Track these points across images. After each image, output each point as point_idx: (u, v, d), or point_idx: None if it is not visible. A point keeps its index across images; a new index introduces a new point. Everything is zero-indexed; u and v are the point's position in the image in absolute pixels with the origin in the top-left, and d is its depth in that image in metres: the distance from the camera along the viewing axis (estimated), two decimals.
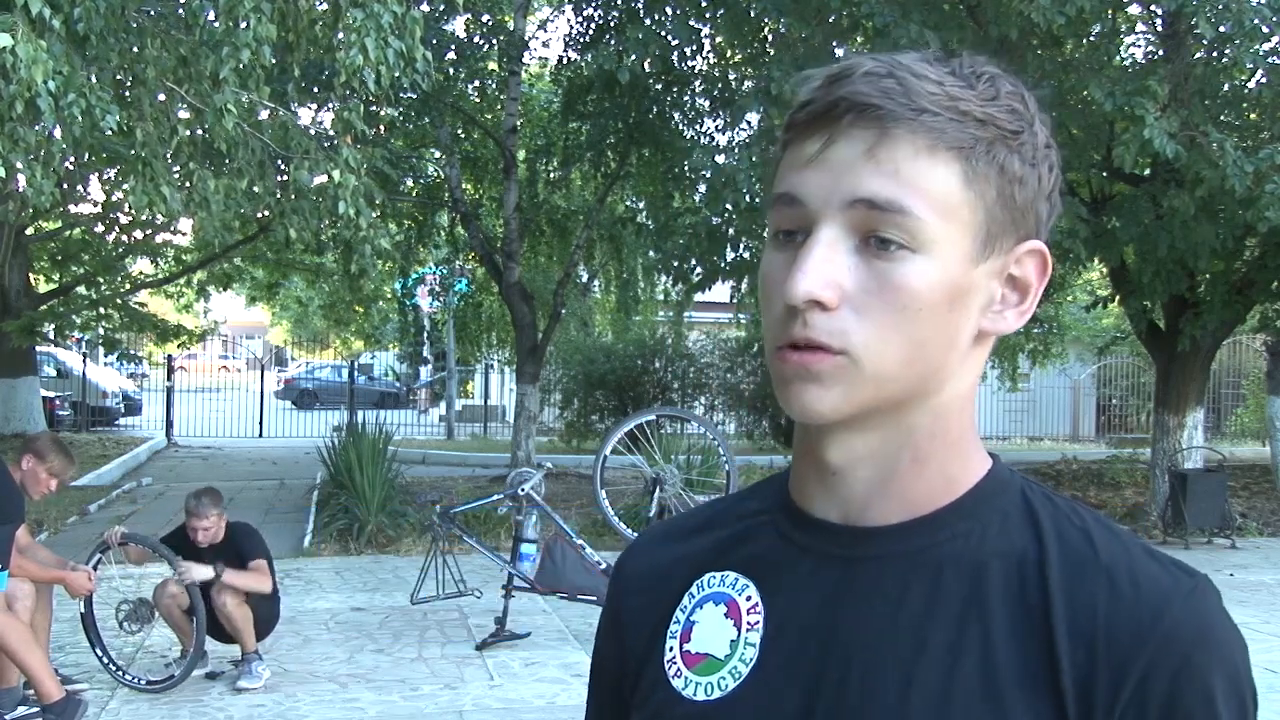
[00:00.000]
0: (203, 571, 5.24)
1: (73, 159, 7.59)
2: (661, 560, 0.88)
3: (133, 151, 6.66)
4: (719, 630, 0.81)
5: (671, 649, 0.83)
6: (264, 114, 7.05)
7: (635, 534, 7.95)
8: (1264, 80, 9.05)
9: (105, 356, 17.23)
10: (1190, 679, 0.70)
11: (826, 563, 0.79)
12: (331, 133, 7.45)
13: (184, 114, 6.58)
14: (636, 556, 0.91)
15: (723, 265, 10.57)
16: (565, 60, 12.04)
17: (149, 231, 15.01)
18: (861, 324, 0.72)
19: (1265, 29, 7.71)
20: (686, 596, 0.85)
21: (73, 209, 13.26)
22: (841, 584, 0.78)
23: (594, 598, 6.14)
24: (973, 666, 0.73)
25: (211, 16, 6.68)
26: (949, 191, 0.72)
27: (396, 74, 6.24)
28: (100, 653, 5.41)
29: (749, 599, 0.81)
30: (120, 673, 5.37)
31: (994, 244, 0.75)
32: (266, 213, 8.99)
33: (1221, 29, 7.70)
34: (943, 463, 0.78)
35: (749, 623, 0.80)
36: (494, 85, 12.52)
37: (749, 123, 10.79)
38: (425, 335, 27.02)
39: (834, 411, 0.74)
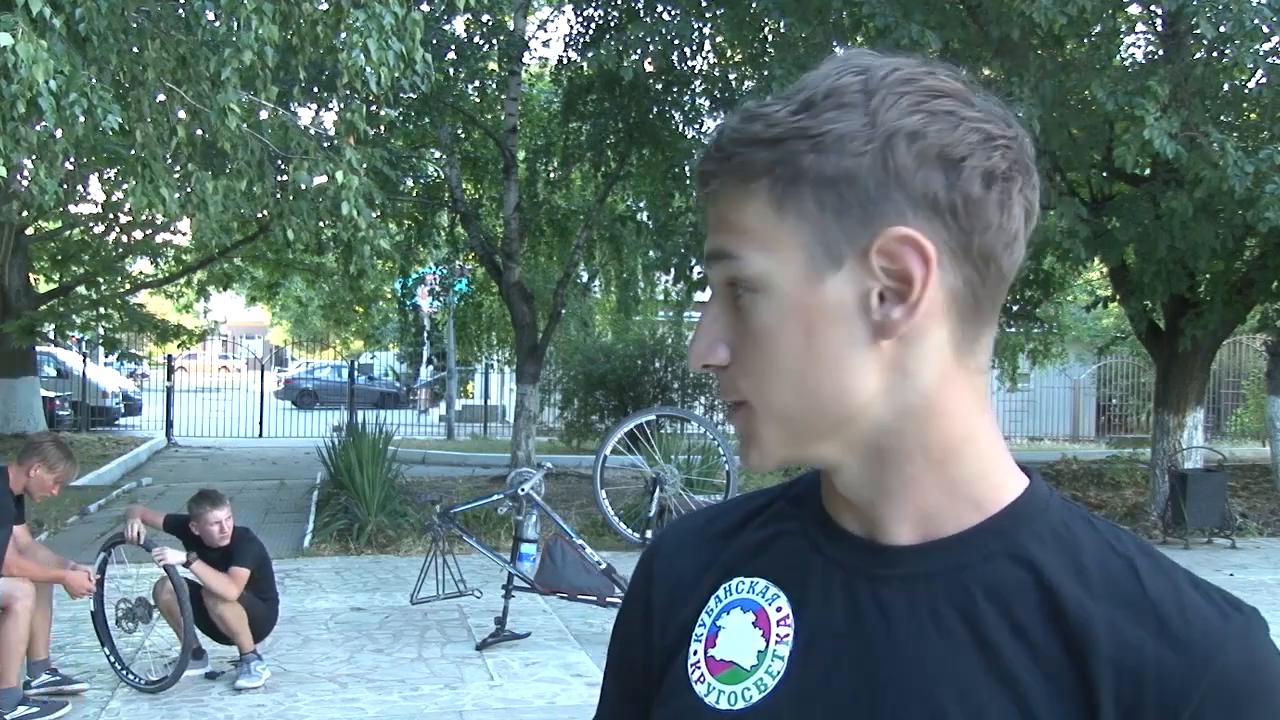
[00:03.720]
0: (176, 555, 5.26)
1: (74, 159, 7.60)
2: (694, 558, 0.86)
3: (132, 152, 6.67)
4: (746, 638, 0.79)
5: (696, 652, 0.81)
6: (264, 114, 7.06)
7: (635, 534, 7.99)
8: (1264, 80, 9.04)
9: (105, 356, 17.25)
10: (1244, 715, 0.69)
11: (855, 578, 0.77)
12: (332, 133, 7.46)
13: (183, 115, 6.58)
14: (671, 551, 0.89)
15: None
16: (565, 60, 12.04)
17: (149, 231, 15.02)
18: (743, 372, 0.75)
19: (1265, 29, 7.71)
20: (713, 599, 0.83)
21: (73, 209, 13.26)
22: (871, 602, 0.76)
23: (594, 598, 6.14)
24: (1005, 697, 0.71)
25: (211, 17, 6.69)
26: (763, 222, 0.72)
27: (396, 75, 6.24)
28: (109, 652, 5.41)
29: (779, 609, 0.79)
30: (124, 672, 5.37)
31: (838, 252, 0.71)
32: (265, 213, 9.00)
33: (1222, 29, 7.70)
34: (942, 478, 0.75)
35: (778, 635, 0.78)
36: (494, 85, 12.52)
37: None
38: (425, 335, 27.04)
39: (765, 460, 0.76)
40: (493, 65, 12.18)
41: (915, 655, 0.73)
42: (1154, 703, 0.69)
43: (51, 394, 18.34)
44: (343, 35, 6.19)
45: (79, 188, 11.42)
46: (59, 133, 5.57)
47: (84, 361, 19.79)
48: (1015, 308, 13.53)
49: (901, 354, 0.72)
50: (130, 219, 13.72)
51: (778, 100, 0.73)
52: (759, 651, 0.78)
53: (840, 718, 0.74)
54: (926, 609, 0.74)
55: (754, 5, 9.57)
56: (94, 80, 5.62)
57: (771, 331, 0.73)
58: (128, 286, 16.58)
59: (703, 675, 0.80)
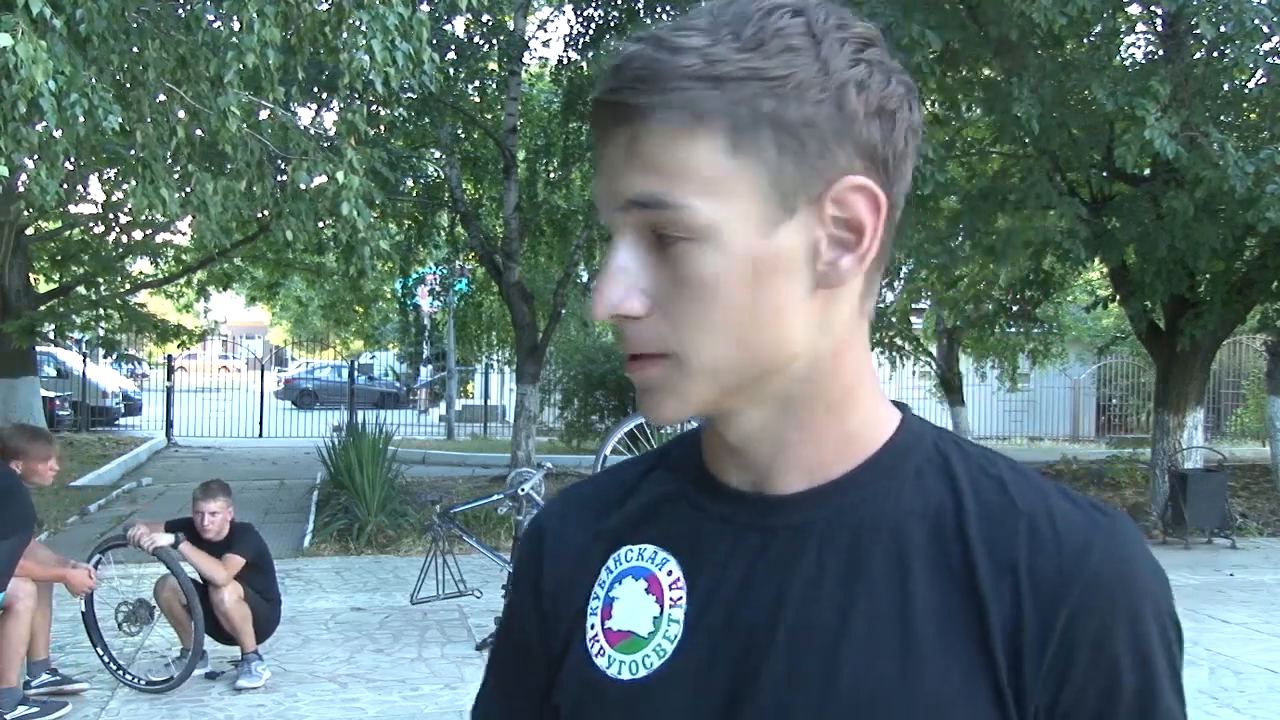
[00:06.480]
0: (164, 539, 5.24)
1: (74, 159, 7.60)
2: (581, 532, 0.85)
3: (132, 153, 6.67)
4: (640, 606, 0.79)
5: (593, 627, 0.80)
6: (264, 114, 7.06)
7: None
8: (1264, 80, 9.05)
9: (105, 357, 17.22)
10: (1118, 618, 0.70)
11: (745, 533, 0.77)
12: (332, 133, 7.46)
13: (183, 115, 6.58)
14: (554, 526, 0.87)
15: None
16: (565, 60, 12.04)
17: (149, 231, 15.00)
18: (672, 323, 0.71)
19: (1265, 29, 7.71)
20: (604, 571, 0.82)
21: (73, 209, 13.25)
22: (761, 554, 0.76)
23: None
24: (898, 628, 0.71)
25: (212, 18, 6.69)
26: (715, 168, 0.68)
27: (406, 76, 6.23)
28: (101, 652, 5.42)
29: (670, 573, 0.79)
30: (121, 672, 5.37)
31: (793, 200, 0.70)
32: (265, 213, 9.00)
33: (1222, 29, 7.70)
34: (838, 424, 0.76)
35: (672, 598, 0.78)
36: (494, 85, 12.52)
37: None
38: (425, 335, 27.03)
39: (676, 414, 0.74)
40: (493, 65, 12.18)
41: (809, 600, 0.74)
42: (1033, 607, 0.70)
43: (51, 394, 18.33)
44: (344, 35, 6.19)
45: (79, 188, 11.41)
46: (59, 133, 5.57)
47: (84, 361, 19.78)
48: (1015, 308, 13.54)
49: (827, 303, 0.73)
50: (130, 219, 13.70)
51: (699, 31, 0.69)
52: (654, 618, 0.78)
53: (740, 670, 0.74)
54: (816, 554, 0.75)
55: None
56: (94, 80, 5.62)
57: (715, 282, 0.69)
58: (128, 286, 16.55)
59: (602, 648, 0.79)
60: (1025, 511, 0.73)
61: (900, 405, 0.81)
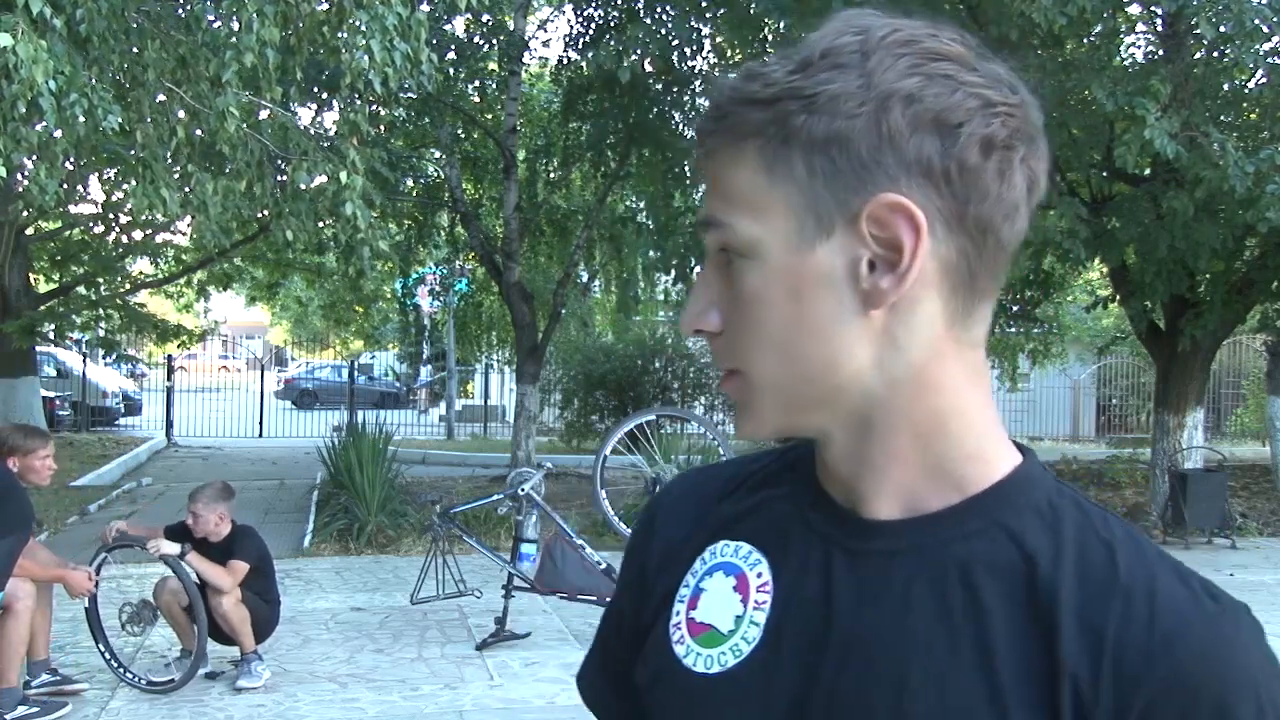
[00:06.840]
0: (170, 547, 5.25)
1: (74, 159, 7.60)
2: (688, 519, 0.86)
3: (132, 153, 6.67)
4: (725, 602, 0.79)
5: (678, 613, 0.81)
6: (263, 114, 7.06)
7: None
8: (1264, 80, 9.05)
9: (104, 357, 17.22)
10: (1205, 712, 0.66)
11: (837, 551, 0.76)
12: (332, 133, 7.46)
13: (183, 115, 6.59)
14: (671, 508, 0.89)
15: None
16: (565, 60, 12.05)
17: (149, 231, 15.00)
18: (736, 339, 0.74)
19: (1265, 29, 7.71)
20: (698, 561, 0.82)
21: (73, 209, 13.25)
22: (848, 575, 0.75)
23: (594, 598, 6.14)
24: (972, 674, 0.70)
25: (211, 18, 6.69)
26: (754, 187, 0.71)
27: (404, 77, 6.24)
28: (103, 649, 5.42)
29: (759, 575, 0.78)
30: (123, 671, 5.37)
31: (829, 220, 0.70)
32: (265, 213, 9.00)
33: (1222, 29, 7.70)
34: (928, 453, 0.74)
35: (756, 600, 0.78)
36: (494, 85, 12.53)
37: None
38: (425, 335, 27.04)
39: (755, 430, 0.76)
40: (493, 65, 12.19)
41: (884, 630, 0.72)
42: (1111, 685, 0.67)
43: (51, 394, 18.32)
44: (344, 35, 6.19)
45: (79, 188, 11.41)
46: (59, 133, 5.57)
47: (84, 361, 19.77)
48: (1015, 308, 13.53)
49: (892, 324, 0.71)
50: (130, 219, 13.70)
51: (778, 60, 0.71)
52: (736, 617, 0.78)
53: (810, 685, 0.73)
54: (900, 584, 0.73)
55: (754, 5, 9.56)
56: (94, 80, 5.62)
57: (760, 299, 0.72)
58: (128, 286, 16.54)
59: (683, 637, 0.80)
60: (1125, 582, 0.69)
61: (1024, 449, 0.77)
